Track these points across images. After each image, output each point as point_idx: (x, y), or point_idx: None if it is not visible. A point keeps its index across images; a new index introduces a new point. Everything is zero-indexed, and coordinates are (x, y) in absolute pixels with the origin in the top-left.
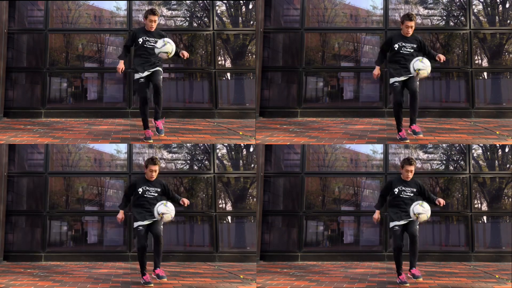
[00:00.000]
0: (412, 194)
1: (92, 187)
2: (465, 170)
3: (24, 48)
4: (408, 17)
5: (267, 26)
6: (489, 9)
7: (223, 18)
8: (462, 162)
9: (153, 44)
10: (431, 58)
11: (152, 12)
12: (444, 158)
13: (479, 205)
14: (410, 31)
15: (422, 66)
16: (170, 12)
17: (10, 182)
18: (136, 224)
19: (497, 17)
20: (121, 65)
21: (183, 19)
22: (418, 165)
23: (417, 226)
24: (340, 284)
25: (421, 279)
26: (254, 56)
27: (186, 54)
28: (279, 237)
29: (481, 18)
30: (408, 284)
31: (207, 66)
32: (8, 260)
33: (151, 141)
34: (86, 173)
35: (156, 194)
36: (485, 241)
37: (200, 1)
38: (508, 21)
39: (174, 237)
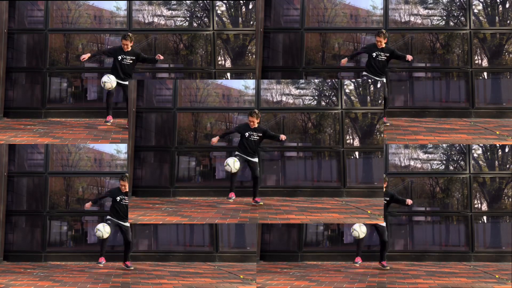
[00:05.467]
0: None
1: (92, 187)
2: (465, 170)
3: (24, 48)
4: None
5: (267, 26)
6: (489, 9)
7: (223, 18)
8: (462, 162)
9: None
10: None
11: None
12: (444, 158)
13: (479, 205)
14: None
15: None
16: (170, 12)
17: (10, 182)
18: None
19: (497, 17)
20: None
21: (183, 19)
22: (418, 165)
23: (386, 232)
24: (340, 284)
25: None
26: (254, 56)
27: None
28: (279, 237)
29: (481, 18)
30: (358, 264)
31: (207, 66)
32: (8, 260)
33: (109, 123)
34: (86, 173)
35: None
36: (485, 241)
37: (200, 1)
38: (508, 21)
39: (174, 237)
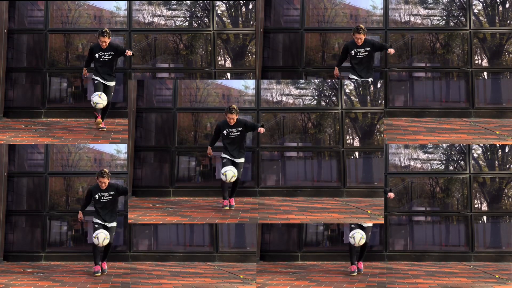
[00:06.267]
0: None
1: None
2: (465, 170)
3: (24, 48)
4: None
5: (267, 26)
6: (489, 9)
7: (223, 18)
8: (462, 162)
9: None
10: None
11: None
12: (444, 158)
13: (479, 205)
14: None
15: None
16: (170, 12)
17: (10, 182)
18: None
19: (497, 17)
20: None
21: (183, 19)
22: (418, 165)
23: (369, 234)
24: (340, 284)
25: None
26: (254, 56)
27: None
28: (279, 237)
29: (481, 18)
30: (355, 273)
31: (207, 66)
32: (8, 260)
33: (101, 125)
34: (86, 173)
35: (110, 197)
36: (485, 241)
37: (200, 1)
38: (508, 21)
39: (174, 237)
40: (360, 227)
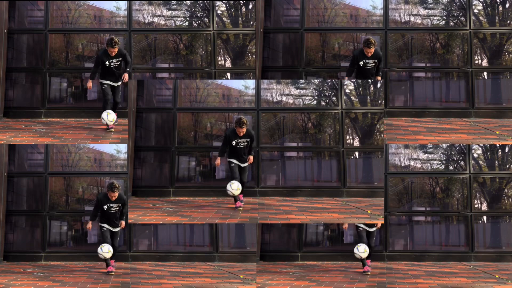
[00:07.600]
0: None
1: (92, 187)
2: (465, 170)
3: (24, 48)
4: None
5: (267, 26)
6: (489, 9)
7: (223, 18)
8: (462, 162)
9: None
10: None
11: (111, 44)
12: (444, 158)
13: (479, 205)
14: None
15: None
16: (170, 12)
17: (10, 182)
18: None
19: (497, 17)
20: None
21: (183, 19)
22: (418, 165)
23: (374, 239)
24: (340, 284)
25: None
26: (254, 56)
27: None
28: (279, 237)
29: (481, 18)
30: (369, 273)
31: (207, 66)
32: (8, 260)
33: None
34: (86, 173)
35: (118, 209)
36: (485, 241)
37: (200, 1)
38: (508, 21)
39: (174, 237)
40: (367, 231)
